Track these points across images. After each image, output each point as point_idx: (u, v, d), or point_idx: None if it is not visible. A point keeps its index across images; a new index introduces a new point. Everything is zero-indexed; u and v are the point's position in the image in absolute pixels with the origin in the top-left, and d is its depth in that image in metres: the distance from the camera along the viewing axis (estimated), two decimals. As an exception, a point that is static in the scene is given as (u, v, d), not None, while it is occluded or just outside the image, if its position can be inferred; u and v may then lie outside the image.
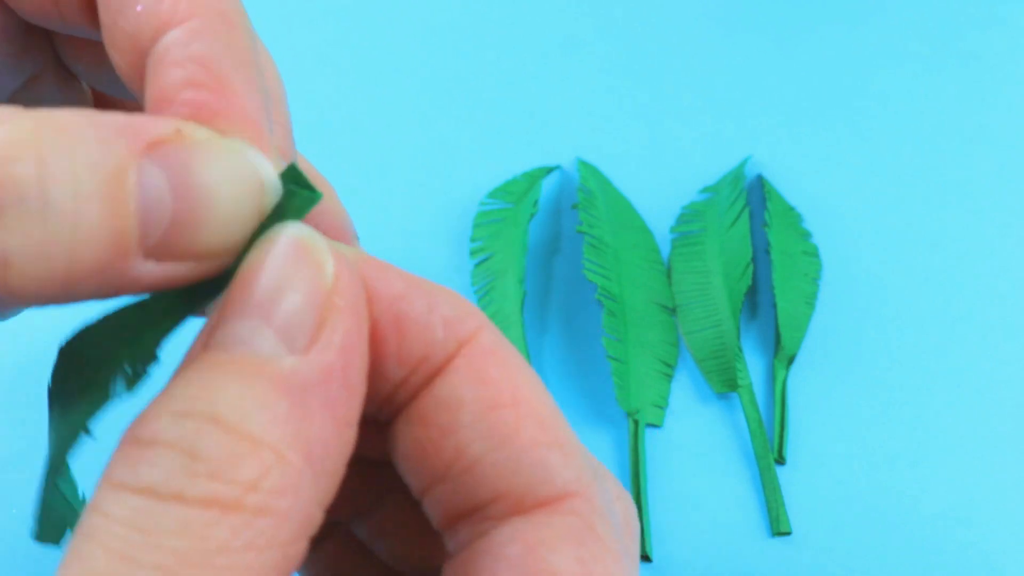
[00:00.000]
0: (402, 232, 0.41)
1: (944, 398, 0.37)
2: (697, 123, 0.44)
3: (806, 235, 0.40)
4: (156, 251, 0.17)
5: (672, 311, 0.38)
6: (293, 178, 0.18)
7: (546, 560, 0.17)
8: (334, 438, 0.17)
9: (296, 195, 0.18)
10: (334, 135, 0.44)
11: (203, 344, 0.17)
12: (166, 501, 0.15)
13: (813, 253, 0.40)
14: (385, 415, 0.19)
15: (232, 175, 0.18)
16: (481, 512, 0.18)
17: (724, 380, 0.36)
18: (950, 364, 0.37)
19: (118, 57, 0.21)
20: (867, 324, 0.38)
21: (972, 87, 0.45)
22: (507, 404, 0.18)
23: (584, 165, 0.42)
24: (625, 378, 0.36)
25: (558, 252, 0.41)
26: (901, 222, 0.41)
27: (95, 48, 0.25)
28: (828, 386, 0.37)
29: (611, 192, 0.41)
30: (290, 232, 0.18)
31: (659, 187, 0.42)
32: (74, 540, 0.16)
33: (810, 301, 0.38)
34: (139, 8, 0.20)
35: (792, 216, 0.41)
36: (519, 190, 0.41)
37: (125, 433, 0.17)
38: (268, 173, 0.18)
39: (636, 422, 0.35)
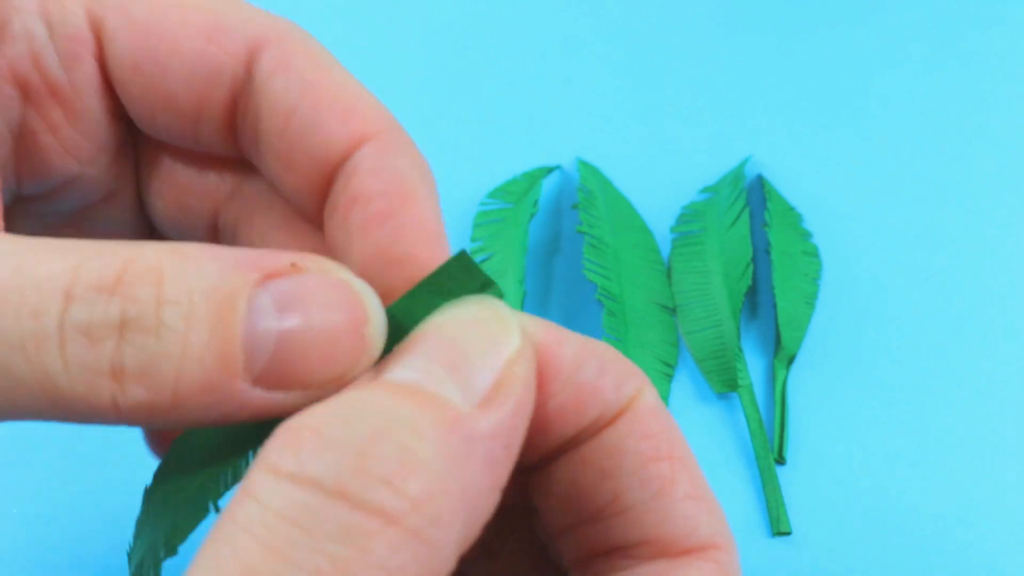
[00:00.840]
0: (402, 232, 0.41)
1: (944, 398, 0.37)
2: (697, 123, 0.44)
3: (806, 235, 0.40)
4: (263, 378, 0.18)
5: (672, 311, 0.38)
6: (464, 265, 0.20)
7: None
8: (486, 493, 0.17)
9: (468, 283, 0.20)
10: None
11: (378, 371, 0.18)
12: (332, 499, 0.15)
13: (813, 253, 0.40)
14: (540, 462, 0.20)
15: (340, 312, 0.18)
16: (626, 551, 0.20)
17: (724, 380, 0.36)
18: (950, 364, 0.37)
19: (291, 174, 0.22)
20: (867, 324, 0.38)
21: (972, 87, 0.45)
22: (665, 458, 0.20)
23: (584, 165, 0.42)
24: (625, 378, 0.36)
25: (558, 252, 0.41)
26: (901, 222, 0.41)
27: (178, 173, 0.26)
28: (828, 386, 0.37)
29: (611, 192, 0.41)
30: (483, 299, 0.19)
31: (659, 187, 0.42)
32: (222, 524, 0.16)
33: (810, 301, 0.38)
34: (329, 132, 0.22)
35: (792, 216, 0.41)
36: (519, 190, 0.41)
37: (283, 424, 0.17)
38: (374, 312, 0.19)
39: (636, 422, 0.35)
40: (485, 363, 0.18)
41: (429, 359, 0.18)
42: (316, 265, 0.19)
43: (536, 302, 0.39)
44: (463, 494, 0.16)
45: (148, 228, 0.26)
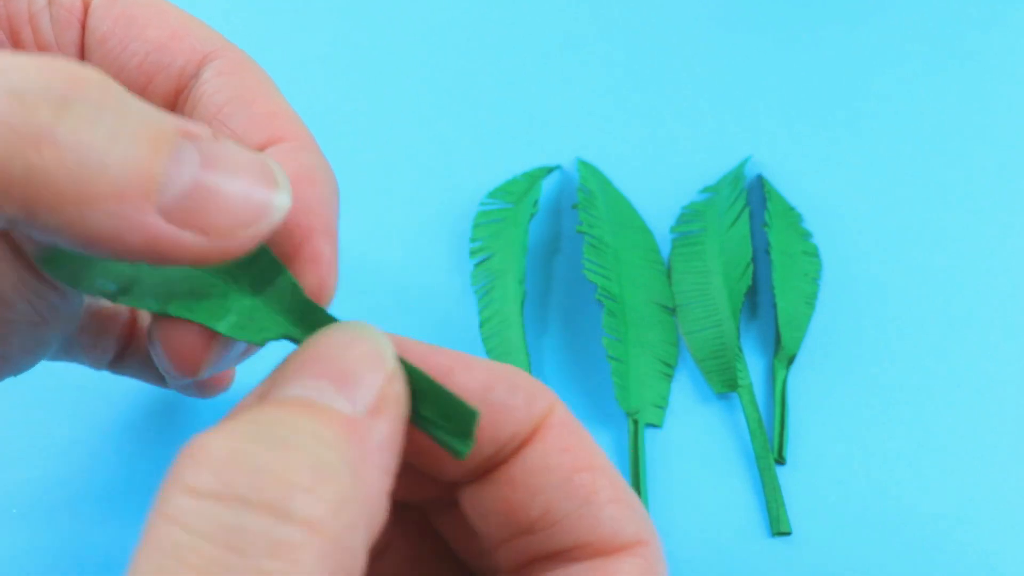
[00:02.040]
0: (402, 232, 0.41)
1: (944, 398, 0.37)
2: (697, 123, 0.44)
3: (806, 235, 0.40)
4: (168, 210, 0.19)
5: (672, 311, 0.38)
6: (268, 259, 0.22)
7: None
8: (382, 497, 0.18)
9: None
10: (334, 135, 0.44)
11: (263, 394, 0.19)
12: (259, 514, 0.16)
13: (813, 253, 0.40)
14: (465, 479, 0.22)
15: (251, 172, 0.20)
16: (563, 555, 0.21)
17: (724, 380, 0.36)
18: (950, 364, 0.37)
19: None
20: (867, 324, 0.38)
21: (972, 87, 0.45)
22: (585, 468, 0.21)
23: (584, 165, 0.42)
24: (625, 378, 0.36)
25: (558, 252, 0.41)
26: (901, 222, 0.41)
27: None
28: (828, 386, 0.37)
29: (611, 192, 0.41)
30: (357, 324, 0.20)
31: (659, 187, 0.42)
32: (148, 554, 0.16)
33: (810, 301, 0.38)
34: (249, 128, 0.24)
35: (792, 216, 0.41)
36: (519, 190, 0.41)
37: (187, 445, 0.17)
38: (283, 184, 0.21)
39: (636, 422, 0.35)
40: (367, 380, 0.19)
41: (316, 377, 0.19)
42: (232, 140, 0.21)
43: (536, 302, 0.39)
44: (366, 499, 0.17)
45: None
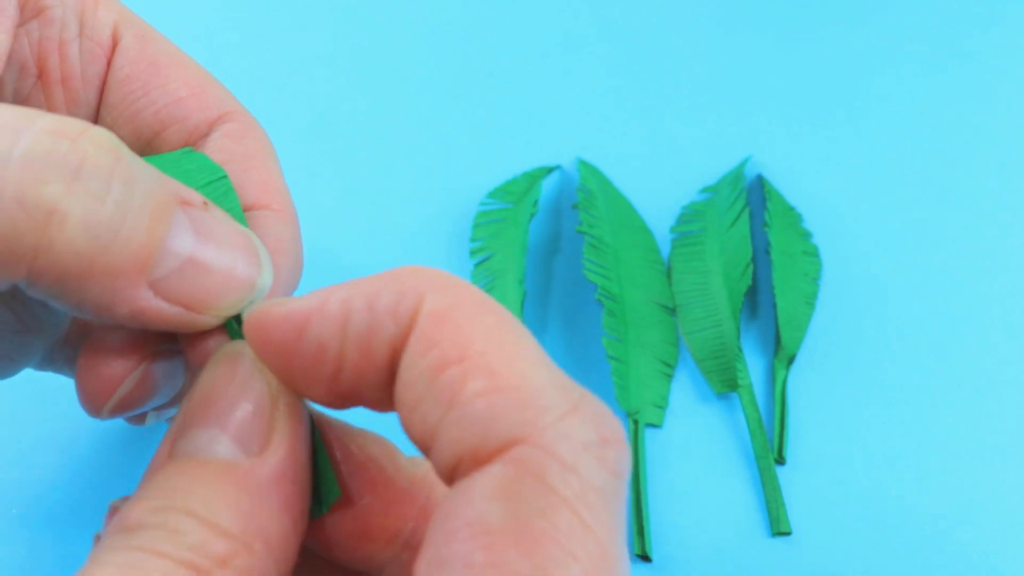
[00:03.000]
0: (402, 232, 0.41)
1: (944, 398, 0.37)
2: (697, 123, 0.44)
3: (806, 235, 0.40)
4: (158, 285, 0.20)
5: (672, 311, 0.38)
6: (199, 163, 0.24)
7: (471, 518, 0.16)
8: (289, 528, 0.19)
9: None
10: (334, 135, 0.44)
11: (167, 452, 0.19)
12: (155, 557, 0.17)
13: (813, 253, 0.40)
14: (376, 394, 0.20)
15: (239, 255, 0.21)
16: (452, 479, 0.17)
17: (724, 380, 0.36)
18: (950, 364, 0.37)
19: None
20: (867, 324, 0.38)
21: (972, 87, 0.45)
22: (453, 362, 0.17)
23: (584, 165, 0.42)
24: (625, 378, 0.36)
25: (558, 252, 0.41)
26: (901, 222, 0.41)
27: None
28: (828, 386, 0.37)
29: (611, 192, 0.41)
30: (229, 350, 0.20)
31: (659, 187, 0.42)
32: None
33: (810, 301, 0.38)
34: (243, 188, 0.25)
35: (792, 216, 0.41)
36: (519, 190, 0.41)
37: (108, 528, 0.18)
38: (267, 266, 0.22)
39: (636, 422, 0.35)
40: (247, 413, 0.19)
41: (204, 425, 0.19)
42: (223, 213, 0.21)
43: (536, 302, 0.39)
44: (267, 539, 0.18)
45: None
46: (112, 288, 0.19)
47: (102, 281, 0.19)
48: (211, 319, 0.21)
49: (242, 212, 0.24)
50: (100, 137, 0.19)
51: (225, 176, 0.24)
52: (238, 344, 0.20)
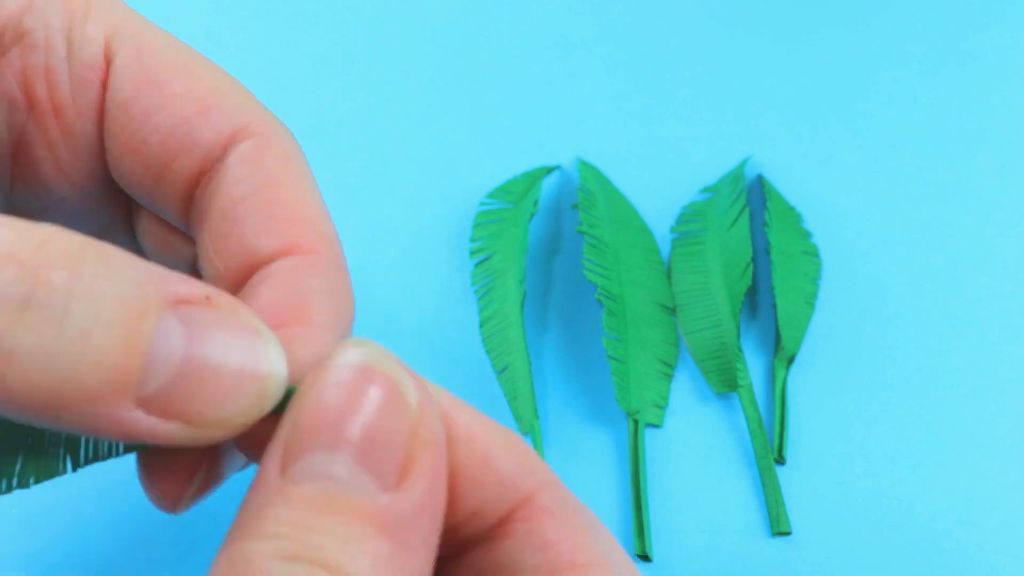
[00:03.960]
0: (402, 232, 0.41)
1: (944, 398, 0.37)
2: (697, 123, 0.44)
3: (806, 235, 0.40)
4: (149, 402, 0.17)
5: (672, 311, 0.38)
6: None
7: None
8: (426, 568, 0.17)
9: None
10: (334, 135, 0.44)
11: (278, 470, 0.17)
12: None
13: (813, 253, 0.40)
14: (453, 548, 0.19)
15: (242, 355, 0.18)
16: None
17: (724, 380, 0.36)
18: (950, 364, 0.37)
19: (218, 256, 0.22)
20: (867, 324, 0.38)
21: (972, 87, 0.45)
22: (565, 568, 0.18)
23: (584, 165, 0.42)
24: (625, 378, 0.36)
25: (558, 252, 0.41)
26: (901, 222, 0.41)
27: (169, 230, 0.26)
28: (828, 386, 0.37)
29: (611, 192, 0.41)
30: (360, 346, 0.18)
31: (659, 187, 0.42)
32: None
33: (810, 301, 0.38)
34: (267, 231, 0.22)
35: (792, 216, 0.41)
36: (519, 190, 0.41)
37: (223, 564, 0.16)
38: (278, 366, 0.18)
39: (636, 422, 0.35)
40: (389, 436, 0.17)
41: (331, 450, 0.17)
42: (229, 305, 0.18)
43: (536, 302, 0.39)
44: None
45: (104, 177, 0.26)
46: (93, 413, 0.17)
47: (78, 408, 0.17)
48: (219, 433, 0.18)
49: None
50: (59, 248, 0.17)
51: None
52: (361, 348, 0.18)
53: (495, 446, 0.18)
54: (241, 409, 0.18)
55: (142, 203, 0.25)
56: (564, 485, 0.19)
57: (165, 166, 0.23)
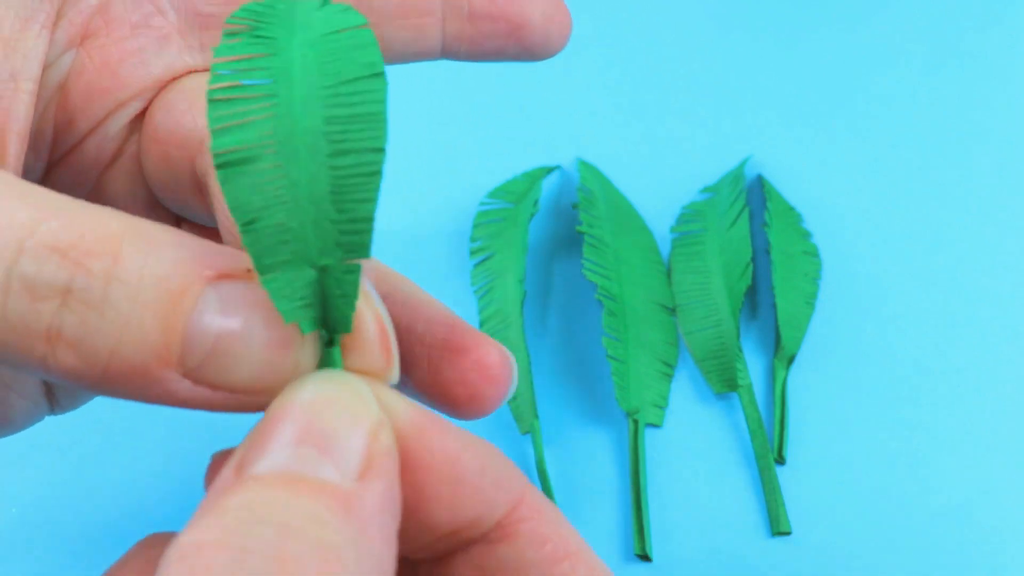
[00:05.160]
0: (402, 232, 0.41)
1: (944, 398, 0.37)
2: (697, 123, 0.44)
3: (806, 235, 0.40)
4: (194, 374, 0.18)
5: (672, 311, 0.38)
6: None
7: None
8: (389, 568, 0.17)
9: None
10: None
11: (235, 471, 0.17)
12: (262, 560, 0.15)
13: (813, 253, 0.40)
14: (425, 555, 0.20)
15: (277, 321, 0.18)
16: None
17: (724, 380, 0.36)
18: (950, 364, 0.37)
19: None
20: (867, 324, 0.38)
21: (972, 87, 0.45)
22: (563, 557, 0.20)
23: (584, 165, 0.42)
24: (625, 378, 0.36)
25: (558, 252, 0.41)
26: (901, 222, 0.41)
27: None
28: (828, 386, 0.37)
29: (611, 192, 0.41)
30: (329, 375, 0.19)
31: (659, 187, 0.42)
32: None
33: (810, 301, 0.38)
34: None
35: (792, 216, 0.41)
36: (519, 190, 0.41)
37: (175, 547, 0.16)
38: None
39: (636, 422, 0.35)
40: (351, 437, 0.17)
41: (295, 443, 0.17)
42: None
43: (536, 302, 0.39)
44: (371, 569, 0.16)
45: (151, 202, 0.27)
46: (142, 386, 0.18)
47: (127, 381, 0.18)
48: (268, 397, 0.19)
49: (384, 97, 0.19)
50: (99, 234, 0.18)
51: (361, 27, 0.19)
52: (337, 371, 0.19)
53: (486, 454, 0.20)
54: (280, 376, 0.19)
55: (178, 212, 0.26)
56: (537, 488, 0.21)
57: (190, 172, 0.24)
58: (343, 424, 0.18)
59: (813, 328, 0.38)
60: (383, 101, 0.19)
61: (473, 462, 0.19)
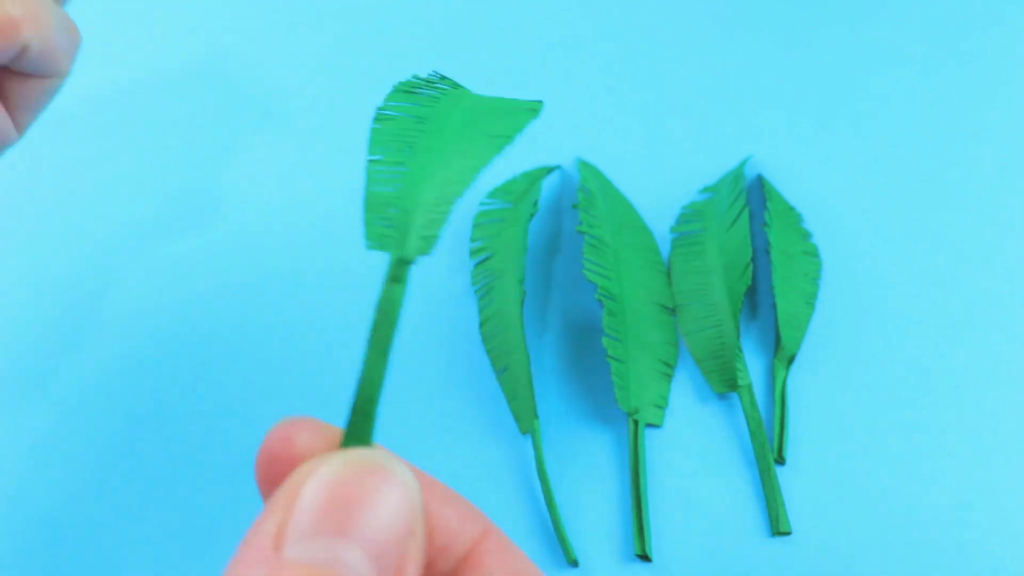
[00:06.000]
0: (402, 232, 0.41)
1: (944, 398, 0.37)
2: (697, 123, 0.44)
3: (806, 235, 0.40)
4: None
5: (672, 311, 0.38)
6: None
7: None
8: None
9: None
10: (334, 135, 0.44)
11: (273, 543, 0.17)
12: None
13: (813, 253, 0.40)
14: None
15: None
16: None
17: (724, 380, 0.36)
18: (950, 364, 0.37)
19: None
20: (867, 324, 0.38)
21: (972, 87, 0.45)
22: None
23: (584, 165, 0.42)
24: (625, 378, 0.36)
25: (558, 252, 0.41)
26: (901, 222, 0.41)
27: None
28: (828, 386, 0.37)
29: (611, 192, 0.41)
30: (368, 455, 0.18)
31: (659, 187, 0.42)
32: None
33: (810, 301, 0.38)
34: None
35: (792, 216, 0.41)
36: (519, 190, 0.41)
37: None
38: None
39: (636, 422, 0.35)
40: (396, 534, 0.17)
41: (338, 535, 0.17)
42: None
43: (536, 302, 0.39)
44: None
45: None
46: None
47: None
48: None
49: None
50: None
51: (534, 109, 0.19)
52: (383, 454, 0.18)
53: (449, 490, 0.21)
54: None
55: None
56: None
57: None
58: (393, 529, 0.17)
59: (813, 328, 0.38)
60: None
61: (436, 496, 0.20)
